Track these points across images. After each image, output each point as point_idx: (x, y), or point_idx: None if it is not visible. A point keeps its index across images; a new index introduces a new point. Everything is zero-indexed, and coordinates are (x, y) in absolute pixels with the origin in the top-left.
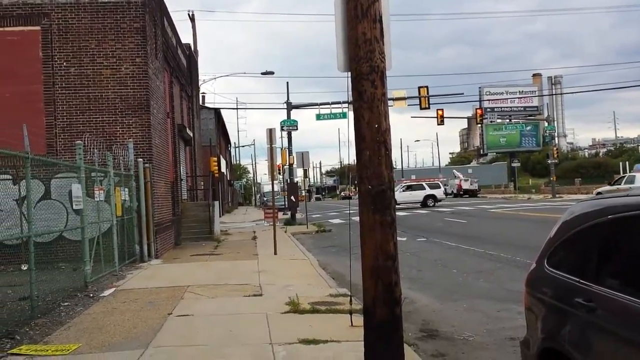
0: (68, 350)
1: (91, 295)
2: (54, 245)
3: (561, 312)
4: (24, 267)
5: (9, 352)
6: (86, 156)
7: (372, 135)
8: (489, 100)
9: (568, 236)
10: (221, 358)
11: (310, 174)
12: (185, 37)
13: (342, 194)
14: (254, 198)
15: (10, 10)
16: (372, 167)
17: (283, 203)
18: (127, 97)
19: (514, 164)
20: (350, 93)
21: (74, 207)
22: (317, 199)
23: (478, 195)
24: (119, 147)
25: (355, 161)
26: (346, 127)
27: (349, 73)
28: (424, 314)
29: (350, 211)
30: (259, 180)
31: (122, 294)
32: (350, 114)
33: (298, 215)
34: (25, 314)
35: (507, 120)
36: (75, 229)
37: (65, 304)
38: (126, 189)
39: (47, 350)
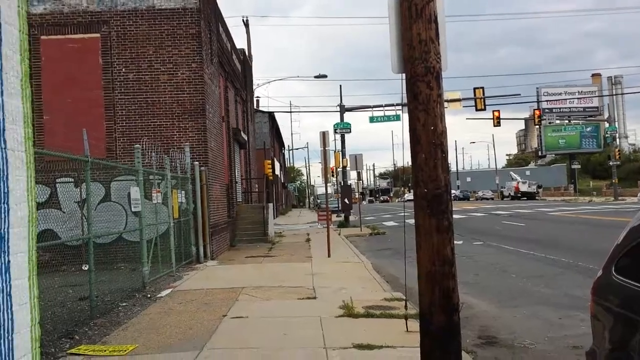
0: (125, 351)
1: (149, 295)
2: (113, 246)
3: (631, 323)
4: (85, 267)
5: (68, 351)
6: (144, 159)
7: (427, 138)
8: (547, 100)
9: (638, 242)
10: None
11: (364, 176)
12: (240, 43)
13: (381, 198)
14: (307, 200)
15: (72, 19)
16: (427, 170)
17: (336, 205)
18: (184, 101)
19: (574, 166)
20: (404, 95)
21: (133, 209)
22: (370, 201)
23: (537, 197)
24: (175, 151)
25: (410, 164)
26: (400, 129)
27: (402, 75)
28: (482, 319)
29: (405, 214)
30: (312, 183)
31: (178, 295)
32: (405, 116)
33: (351, 218)
34: (84, 313)
35: (567, 121)
36: (134, 230)
37: (124, 304)
38: (183, 192)
39: (105, 351)
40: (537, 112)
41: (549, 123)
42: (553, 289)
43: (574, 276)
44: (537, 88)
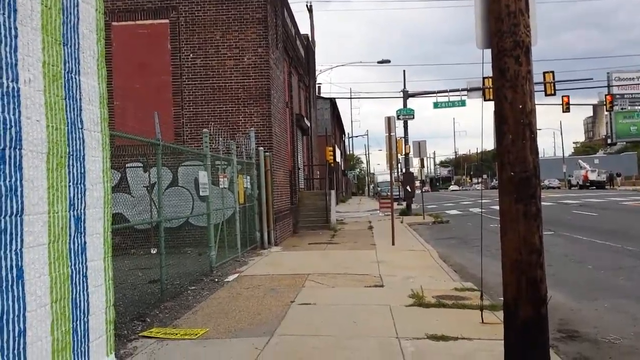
0: (196, 334)
1: (216, 280)
2: (180, 231)
3: None
4: (153, 251)
5: (140, 334)
6: (211, 145)
7: (515, 117)
8: (618, 86)
9: None
10: (347, 350)
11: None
12: (303, 29)
13: (424, 188)
14: (367, 188)
15: (142, 5)
16: (515, 152)
17: (398, 193)
18: (249, 86)
19: None
20: (483, 74)
21: (201, 193)
22: (427, 190)
23: (606, 187)
24: (240, 136)
25: (495, 146)
26: (462, 117)
27: (484, 51)
28: (560, 312)
29: (467, 202)
30: (372, 170)
31: (245, 280)
32: (471, 102)
33: (413, 206)
34: (155, 296)
35: (639, 108)
36: (201, 215)
37: (192, 288)
38: (248, 177)
39: (177, 334)
40: (608, 97)
41: (621, 109)
42: (635, 282)
43: None
44: (607, 73)
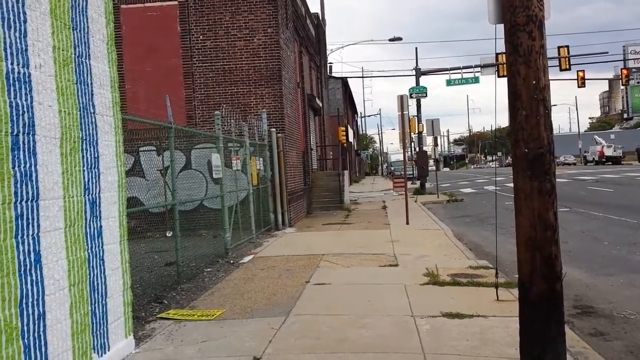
0: (213, 315)
1: (231, 261)
2: (195, 213)
3: None
4: (169, 234)
5: (158, 316)
6: (223, 127)
7: (529, 93)
8: (634, 59)
9: None
10: (362, 328)
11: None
12: (313, 7)
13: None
14: (380, 168)
15: None
16: (528, 129)
17: (411, 172)
18: (260, 67)
19: None
20: (497, 50)
21: (214, 176)
22: (438, 169)
23: (622, 162)
24: (252, 118)
25: (508, 122)
26: (475, 94)
27: (496, 26)
28: (575, 288)
29: (482, 180)
30: (385, 150)
31: (260, 261)
32: (484, 78)
33: (427, 185)
34: (171, 279)
35: None
36: (215, 197)
37: (208, 269)
38: (261, 159)
39: (194, 315)
40: (624, 71)
41: (637, 83)
42: None
43: None
44: (623, 46)
